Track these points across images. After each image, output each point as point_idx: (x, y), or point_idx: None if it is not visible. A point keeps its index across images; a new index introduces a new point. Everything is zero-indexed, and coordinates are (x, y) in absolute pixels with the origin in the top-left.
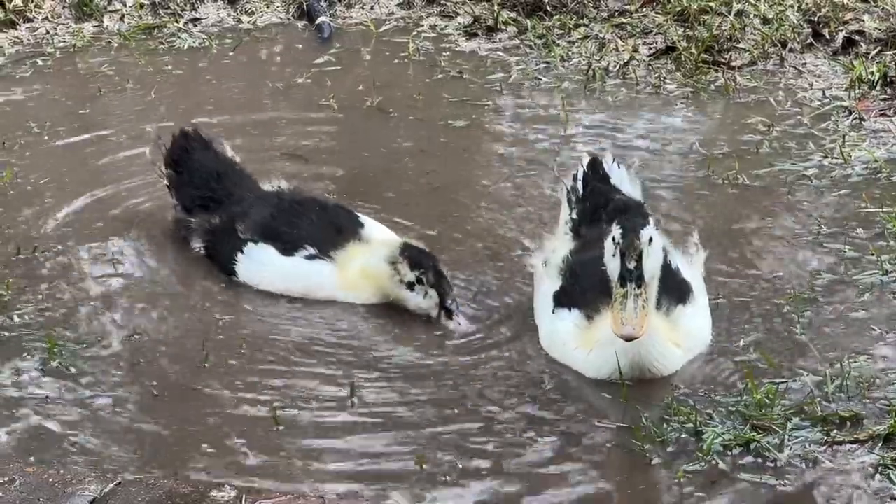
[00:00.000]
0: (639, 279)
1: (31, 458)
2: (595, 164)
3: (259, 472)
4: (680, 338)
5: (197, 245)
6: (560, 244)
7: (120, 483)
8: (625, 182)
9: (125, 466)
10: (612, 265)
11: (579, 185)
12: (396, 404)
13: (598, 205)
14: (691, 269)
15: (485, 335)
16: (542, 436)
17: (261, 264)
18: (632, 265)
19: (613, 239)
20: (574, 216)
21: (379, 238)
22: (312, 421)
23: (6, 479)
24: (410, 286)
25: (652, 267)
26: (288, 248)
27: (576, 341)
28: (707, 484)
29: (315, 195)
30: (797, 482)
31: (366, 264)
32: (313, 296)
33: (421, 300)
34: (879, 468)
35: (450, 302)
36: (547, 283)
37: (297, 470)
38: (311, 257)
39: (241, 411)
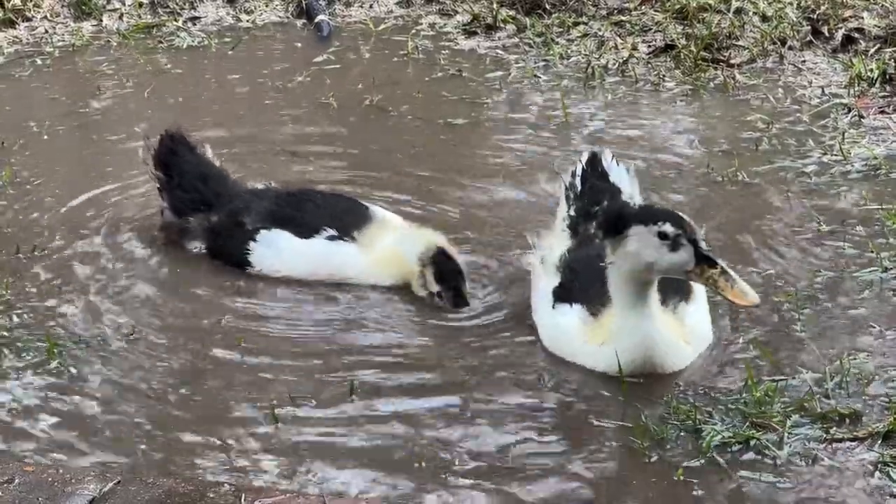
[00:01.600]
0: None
1: (31, 457)
2: (594, 161)
3: (258, 471)
4: (686, 335)
5: (195, 247)
6: (557, 241)
7: (119, 482)
8: (624, 179)
9: (124, 465)
10: (683, 254)
11: (577, 181)
12: (396, 402)
13: (596, 202)
14: None
15: (485, 333)
16: (541, 434)
17: (278, 249)
18: (705, 245)
19: (665, 234)
20: (572, 213)
21: (394, 220)
22: (312, 419)
23: (5, 478)
24: (430, 295)
25: None
26: (304, 232)
27: (582, 335)
28: (707, 481)
29: (309, 188)
30: (796, 480)
31: (397, 249)
32: (336, 277)
33: (438, 300)
34: (879, 465)
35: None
36: (544, 280)
37: (296, 468)
38: (332, 238)
39: (240, 409)
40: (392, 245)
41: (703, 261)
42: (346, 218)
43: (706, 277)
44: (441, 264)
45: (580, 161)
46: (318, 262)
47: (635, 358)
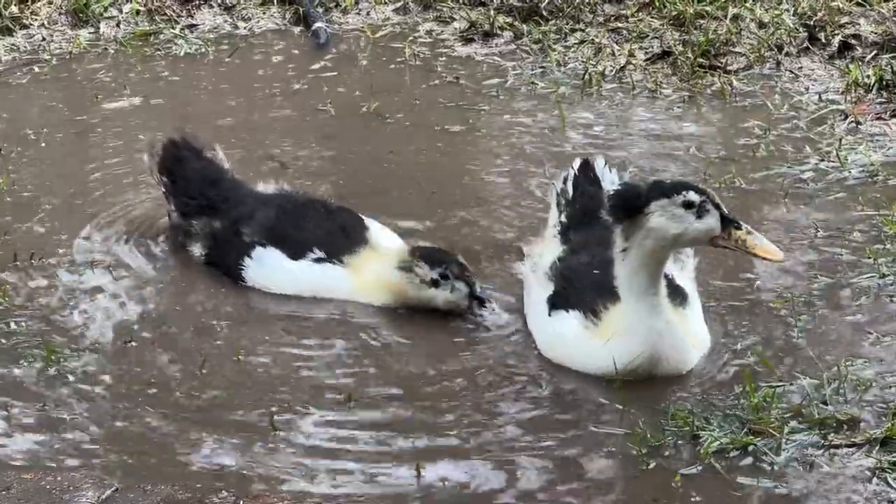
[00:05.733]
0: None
1: (29, 465)
2: (586, 167)
3: (256, 478)
4: (692, 337)
5: (197, 251)
6: (548, 248)
7: (117, 489)
8: (616, 185)
9: (122, 472)
10: (710, 220)
11: (569, 187)
12: (394, 409)
13: (587, 208)
14: (683, 274)
15: (481, 340)
16: (539, 440)
17: (270, 268)
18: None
19: (691, 202)
20: (563, 220)
21: (386, 244)
22: (310, 426)
23: (4, 485)
24: (435, 283)
25: None
26: (296, 253)
27: (585, 336)
28: (705, 488)
29: (317, 198)
30: (794, 486)
31: (381, 274)
32: (323, 296)
33: (449, 295)
34: (876, 471)
35: (479, 290)
36: (537, 289)
37: (294, 475)
38: (319, 260)
39: (238, 416)
40: (376, 272)
41: (729, 224)
42: (339, 239)
43: (734, 240)
44: (425, 251)
45: (572, 167)
46: (305, 284)
47: (643, 351)
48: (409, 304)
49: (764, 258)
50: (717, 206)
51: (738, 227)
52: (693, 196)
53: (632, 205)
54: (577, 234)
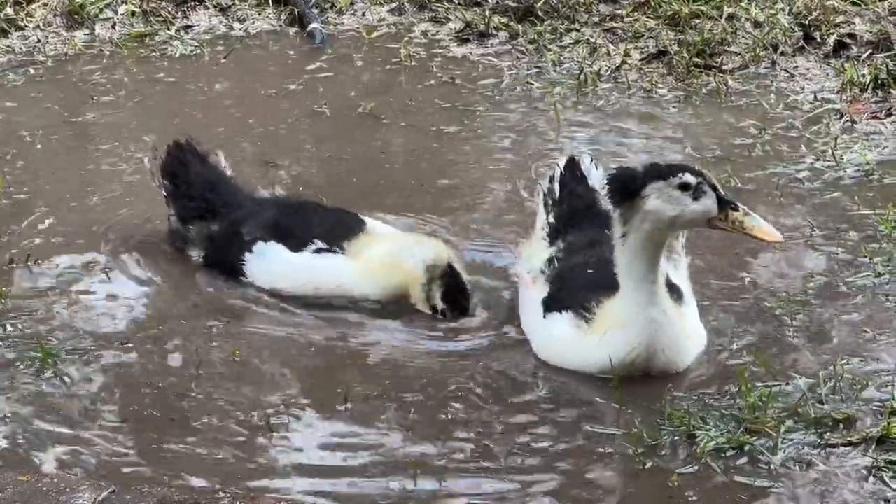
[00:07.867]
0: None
1: (25, 467)
2: (572, 165)
3: (253, 480)
4: (688, 332)
5: (195, 254)
6: (537, 249)
7: (114, 491)
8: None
9: (119, 474)
10: (707, 202)
11: (556, 186)
12: (390, 411)
13: (575, 208)
14: (677, 273)
15: (476, 341)
16: (535, 441)
17: (271, 262)
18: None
19: (687, 184)
20: (551, 220)
21: (389, 231)
22: (306, 428)
23: (0, 488)
24: (433, 309)
25: None
26: (297, 245)
27: (580, 333)
28: (701, 488)
29: (313, 200)
30: (791, 485)
31: (397, 256)
32: (325, 289)
33: (429, 312)
34: (873, 470)
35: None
36: (531, 290)
37: (291, 477)
38: (319, 251)
39: (234, 418)
40: (388, 253)
41: (726, 205)
42: (336, 229)
43: (731, 221)
44: (451, 283)
45: (558, 166)
46: (307, 276)
47: (640, 342)
48: (399, 293)
49: (762, 240)
50: (714, 188)
51: (736, 209)
52: (689, 178)
53: (628, 188)
54: (565, 234)
